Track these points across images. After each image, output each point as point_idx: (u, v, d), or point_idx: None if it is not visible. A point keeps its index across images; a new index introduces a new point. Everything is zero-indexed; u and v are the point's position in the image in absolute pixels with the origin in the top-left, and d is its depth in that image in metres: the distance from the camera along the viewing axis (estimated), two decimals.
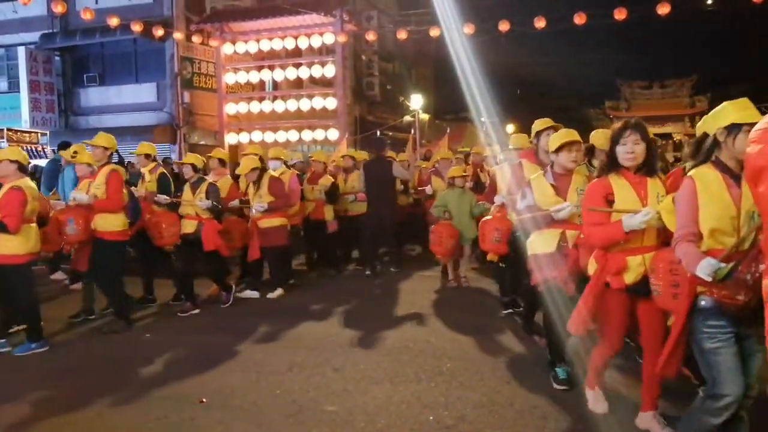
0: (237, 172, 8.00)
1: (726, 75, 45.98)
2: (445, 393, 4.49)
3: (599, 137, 5.01)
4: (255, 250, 7.70)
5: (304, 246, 9.83)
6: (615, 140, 3.59)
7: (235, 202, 7.79)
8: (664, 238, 3.42)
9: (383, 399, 4.40)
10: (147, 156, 7.80)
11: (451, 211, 7.77)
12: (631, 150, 3.52)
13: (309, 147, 18.04)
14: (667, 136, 38.92)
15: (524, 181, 5.01)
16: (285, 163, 8.92)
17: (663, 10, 12.49)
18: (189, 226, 7.05)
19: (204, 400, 4.43)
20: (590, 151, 5.14)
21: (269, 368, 5.11)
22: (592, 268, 3.71)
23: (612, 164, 3.63)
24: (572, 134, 4.41)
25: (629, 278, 3.53)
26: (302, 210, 8.94)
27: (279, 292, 7.81)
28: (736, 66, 47.76)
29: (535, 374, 4.80)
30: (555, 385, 4.50)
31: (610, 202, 3.54)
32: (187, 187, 7.17)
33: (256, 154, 8.08)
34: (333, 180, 9.30)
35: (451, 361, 5.17)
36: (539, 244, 4.47)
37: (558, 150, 4.37)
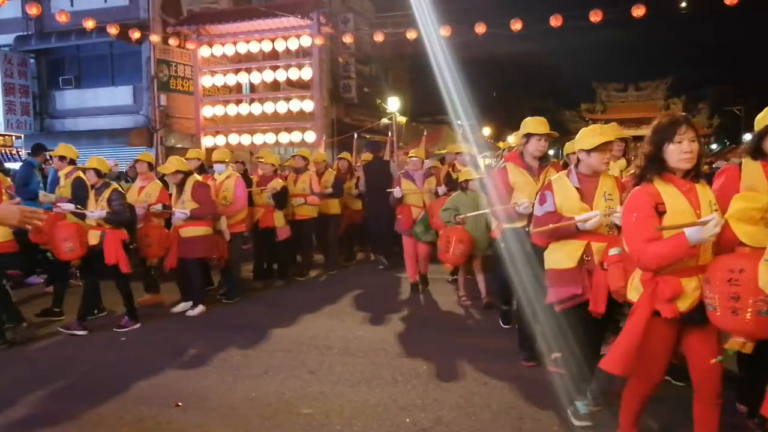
0: (159, 170, 7.45)
1: (700, 78, 46.77)
2: (422, 395, 4.51)
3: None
4: (171, 259, 7.08)
5: (252, 254, 9.24)
6: (664, 138, 3.04)
7: (157, 207, 7.20)
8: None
9: (359, 401, 4.41)
10: (62, 158, 7.26)
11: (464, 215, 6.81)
12: (688, 149, 2.98)
13: (286, 149, 18.00)
14: (642, 138, 39.27)
15: (508, 187, 4.99)
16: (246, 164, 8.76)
17: (638, 12, 12.65)
18: (93, 237, 6.39)
19: (180, 403, 4.40)
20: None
21: (245, 371, 5.10)
22: (635, 294, 3.15)
23: (657, 167, 3.07)
24: (610, 132, 3.92)
25: (684, 305, 2.98)
26: (250, 216, 8.40)
27: (200, 309, 7.09)
28: (710, 69, 48.47)
29: (512, 376, 4.83)
30: (575, 422, 3.91)
31: (660, 214, 2.97)
32: (92, 195, 6.55)
33: (198, 159, 7.87)
34: (283, 183, 8.61)
35: (428, 363, 5.19)
36: (559, 258, 3.96)
37: (591, 150, 3.83)
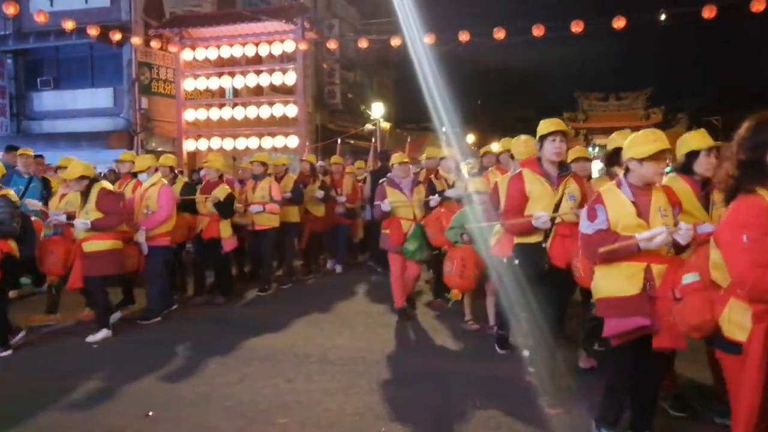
0: (61, 176, 6.79)
1: (679, 89, 47.35)
2: (399, 404, 4.45)
3: (621, 139, 4.39)
4: (76, 279, 6.25)
5: (194, 267, 8.44)
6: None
7: (61, 218, 6.43)
8: None
9: (336, 411, 4.34)
10: None
11: (472, 234, 5.90)
12: None
13: (270, 155, 17.89)
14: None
15: (523, 196, 4.42)
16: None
17: (618, 24, 12.75)
18: None
19: (151, 413, 4.31)
20: (612, 156, 4.70)
21: (220, 380, 5.01)
22: (736, 331, 2.66)
23: (760, 174, 2.66)
24: (664, 138, 3.43)
25: None
26: (187, 225, 7.78)
27: (103, 334, 6.20)
28: (689, 80, 49.14)
29: (489, 384, 4.80)
30: None
31: None
32: None
33: (132, 161, 7.57)
34: (229, 191, 7.85)
35: (406, 371, 5.15)
36: (617, 284, 3.41)
37: (644, 159, 3.38)
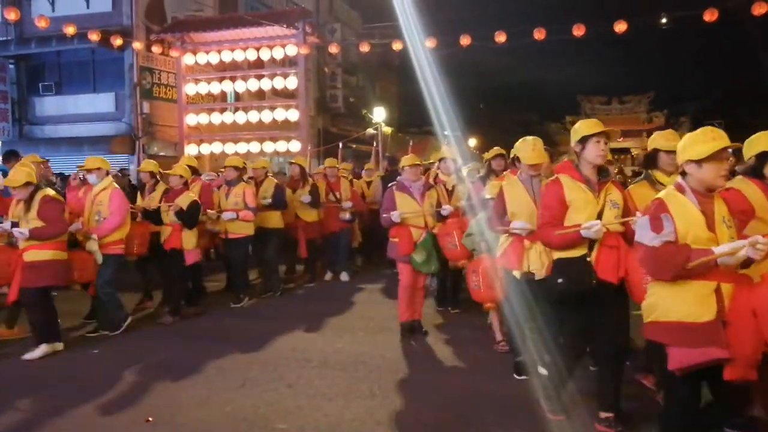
0: (5, 182, 6.28)
1: (681, 92, 47.37)
2: (399, 409, 4.43)
3: (661, 140, 4.25)
4: (13, 291, 5.85)
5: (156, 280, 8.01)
6: None
7: (5, 225, 6.05)
8: None
9: (336, 416, 4.32)
10: None
11: (491, 242, 5.32)
12: None
13: (272, 159, 17.90)
14: (625, 151, 39.71)
15: (563, 206, 3.89)
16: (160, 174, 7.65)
17: (620, 27, 12.76)
18: None
19: (150, 419, 4.29)
20: (650, 159, 4.38)
21: (221, 384, 4.99)
22: None
23: None
24: (724, 136, 3.05)
25: None
26: (144, 234, 7.30)
27: (42, 350, 5.77)
28: (691, 83, 49.16)
29: (492, 391, 4.78)
30: None
31: None
32: None
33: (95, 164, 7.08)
34: (194, 199, 7.23)
35: (406, 377, 5.13)
36: (686, 307, 2.96)
37: (703, 160, 3.01)
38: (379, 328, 6.80)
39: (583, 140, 3.90)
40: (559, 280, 3.86)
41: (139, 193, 8.32)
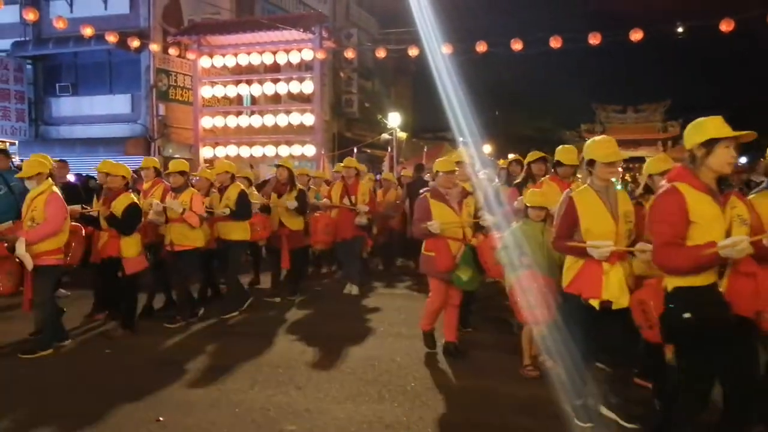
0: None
1: (698, 101, 46.99)
2: (408, 413, 4.42)
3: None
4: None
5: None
6: None
7: None
8: None
9: (345, 419, 4.31)
10: None
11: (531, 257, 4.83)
12: None
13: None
14: (640, 160, 39.40)
15: (685, 221, 3.15)
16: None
17: (636, 36, 12.71)
18: None
19: (161, 418, 4.30)
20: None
21: (231, 386, 4.99)
22: None
23: None
24: None
25: None
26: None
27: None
28: (708, 92, 48.82)
29: (502, 395, 4.75)
30: None
31: None
32: None
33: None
34: (131, 202, 6.55)
35: (415, 381, 5.11)
36: None
37: None
38: (389, 333, 6.77)
39: (710, 143, 3.18)
40: (686, 315, 3.14)
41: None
